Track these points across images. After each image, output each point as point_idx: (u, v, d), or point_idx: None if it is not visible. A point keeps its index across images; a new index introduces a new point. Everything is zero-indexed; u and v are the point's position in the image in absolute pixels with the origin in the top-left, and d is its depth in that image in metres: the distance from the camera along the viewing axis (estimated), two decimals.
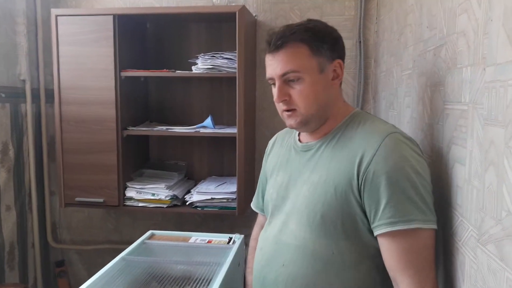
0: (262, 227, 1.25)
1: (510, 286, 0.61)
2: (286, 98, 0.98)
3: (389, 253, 0.88)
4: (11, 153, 2.08)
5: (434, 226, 0.87)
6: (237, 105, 1.85)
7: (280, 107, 1.01)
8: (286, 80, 0.97)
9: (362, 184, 0.90)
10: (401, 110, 1.42)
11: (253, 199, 1.33)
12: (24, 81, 2.14)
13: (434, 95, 1.03)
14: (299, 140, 1.10)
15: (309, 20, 1.03)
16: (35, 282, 2.28)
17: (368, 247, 0.93)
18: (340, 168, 0.94)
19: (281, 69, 0.96)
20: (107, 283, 1.10)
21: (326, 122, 1.02)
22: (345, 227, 0.93)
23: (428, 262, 0.87)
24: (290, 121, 1.01)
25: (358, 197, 0.91)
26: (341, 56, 1.02)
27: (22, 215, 2.17)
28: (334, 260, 0.93)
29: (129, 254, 1.28)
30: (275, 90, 0.99)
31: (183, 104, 2.24)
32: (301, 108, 0.97)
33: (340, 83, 1.04)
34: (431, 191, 0.90)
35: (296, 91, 0.97)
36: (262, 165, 1.27)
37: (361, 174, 0.90)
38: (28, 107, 2.15)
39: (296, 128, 1.04)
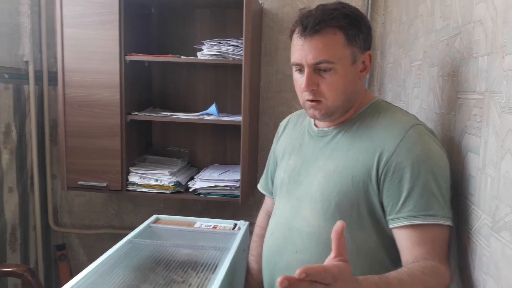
0: (268, 213, 1.23)
1: None
2: (314, 87, 0.92)
3: (405, 246, 0.87)
4: (14, 134, 2.06)
5: (451, 223, 0.86)
6: (243, 93, 1.84)
7: (304, 96, 0.95)
8: (316, 69, 0.92)
9: (383, 175, 0.89)
10: (409, 101, 1.42)
11: (260, 181, 1.31)
12: (27, 62, 2.12)
13: (446, 85, 1.03)
14: (315, 124, 1.07)
15: (341, 4, 0.95)
16: (36, 264, 2.28)
17: (382, 237, 0.92)
18: (359, 158, 0.93)
19: (314, 58, 0.90)
20: (115, 264, 1.11)
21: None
22: (361, 217, 0.92)
23: (440, 257, 0.85)
24: (313, 112, 0.96)
25: (375, 189, 0.90)
26: (370, 47, 0.98)
27: (24, 197, 2.16)
28: (348, 249, 0.92)
29: (135, 237, 1.28)
30: (301, 77, 0.93)
31: (187, 90, 2.23)
32: (328, 100, 0.94)
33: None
34: (450, 186, 0.89)
35: (326, 82, 0.92)
36: (272, 147, 1.24)
37: (381, 165, 0.89)
38: (31, 89, 2.13)
39: (319, 119, 1.01)
